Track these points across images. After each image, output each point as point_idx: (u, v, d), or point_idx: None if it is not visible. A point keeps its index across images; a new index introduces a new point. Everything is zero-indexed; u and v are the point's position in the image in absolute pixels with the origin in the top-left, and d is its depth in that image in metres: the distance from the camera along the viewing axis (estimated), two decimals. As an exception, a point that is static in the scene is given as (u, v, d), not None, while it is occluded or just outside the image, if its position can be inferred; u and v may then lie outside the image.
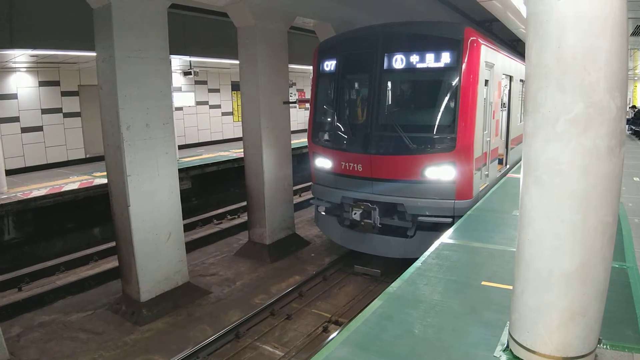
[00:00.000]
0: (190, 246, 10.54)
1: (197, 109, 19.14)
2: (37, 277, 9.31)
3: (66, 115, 14.32)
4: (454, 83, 7.66)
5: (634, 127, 20.62)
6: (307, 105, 20.75)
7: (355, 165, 8.33)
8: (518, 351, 3.15)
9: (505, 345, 3.36)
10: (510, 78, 10.47)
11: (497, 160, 9.73)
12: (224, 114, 20.56)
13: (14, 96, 13.07)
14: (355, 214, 8.27)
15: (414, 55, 7.83)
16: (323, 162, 9.00)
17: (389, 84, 8.46)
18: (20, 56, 11.25)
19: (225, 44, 12.94)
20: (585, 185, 2.69)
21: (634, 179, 9.78)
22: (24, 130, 13.36)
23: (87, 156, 14.96)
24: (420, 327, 3.79)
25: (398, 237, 8.24)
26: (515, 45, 17.11)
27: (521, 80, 11.07)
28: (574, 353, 2.92)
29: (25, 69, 13.22)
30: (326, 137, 9.10)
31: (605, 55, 2.55)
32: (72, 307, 8.15)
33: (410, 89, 8.93)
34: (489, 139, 8.72)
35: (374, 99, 8.20)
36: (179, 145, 14.63)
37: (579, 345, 2.92)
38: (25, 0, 9.46)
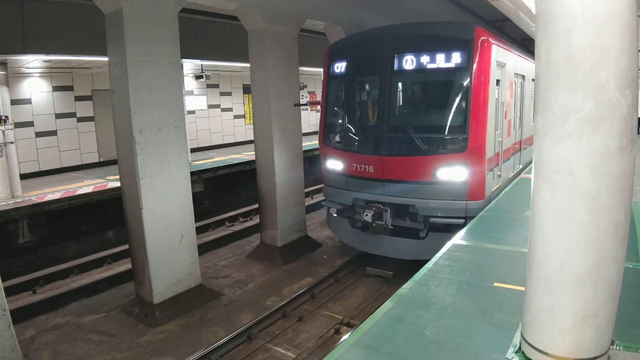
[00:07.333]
0: (203, 248, 10.62)
1: (209, 112, 19.29)
2: (51, 280, 9.42)
3: (80, 119, 14.51)
4: (465, 83, 7.62)
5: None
6: (318, 107, 20.76)
7: (367, 166, 8.31)
8: (530, 353, 3.12)
9: (518, 347, 3.34)
10: (523, 77, 10.39)
11: (509, 160, 9.66)
12: (235, 117, 20.68)
13: (27, 101, 13.26)
14: (366, 215, 8.26)
15: (424, 56, 7.80)
16: (334, 164, 9.00)
17: (400, 85, 8.43)
18: (33, 61, 11.41)
19: (236, 47, 13.01)
20: (597, 184, 2.66)
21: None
22: (38, 134, 13.55)
23: (101, 160, 15.13)
24: (432, 329, 3.77)
25: (410, 239, 8.21)
26: (527, 45, 16.99)
27: (533, 80, 10.99)
28: (587, 355, 2.88)
29: (38, 74, 13.41)
30: (337, 138, 9.09)
31: (615, 53, 2.52)
32: (85, 309, 8.23)
33: (421, 90, 8.89)
34: (501, 139, 8.66)
35: (385, 100, 8.18)
36: (191, 148, 14.72)
37: (592, 346, 2.88)
38: (37, 6, 9.59)
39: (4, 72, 10.99)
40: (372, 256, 9.21)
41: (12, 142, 10.82)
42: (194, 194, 8.43)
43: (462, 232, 6.41)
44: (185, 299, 8.04)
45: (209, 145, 19.39)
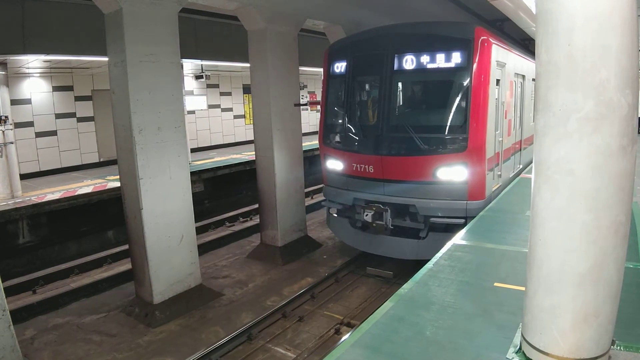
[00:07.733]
0: (203, 249, 10.62)
1: (209, 112, 19.30)
2: (52, 280, 9.41)
3: (80, 119, 14.50)
4: (465, 83, 7.61)
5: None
6: (318, 107, 20.76)
7: (367, 166, 8.31)
8: (531, 353, 3.12)
9: (518, 347, 3.33)
10: (523, 77, 10.38)
11: (510, 160, 9.65)
12: (235, 117, 20.68)
13: (27, 101, 13.26)
14: (367, 215, 8.25)
15: (425, 55, 7.79)
16: (334, 164, 8.99)
17: (400, 85, 8.43)
18: (33, 62, 11.40)
19: (236, 47, 13.01)
20: (598, 184, 2.65)
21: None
22: (38, 134, 13.55)
23: (101, 160, 15.12)
24: (432, 329, 3.76)
25: (410, 239, 8.20)
26: (527, 45, 16.99)
27: (533, 80, 10.97)
28: (587, 355, 2.87)
29: (38, 75, 13.41)
30: (337, 138, 9.08)
31: (615, 52, 2.51)
32: (86, 310, 8.23)
33: (421, 90, 8.88)
34: (501, 139, 8.66)
35: (385, 100, 8.17)
36: (191, 149, 14.71)
37: (592, 346, 2.88)
38: (37, 6, 9.59)
39: (4, 72, 10.98)
40: (372, 256, 9.19)
41: (12, 142, 10.82)
42: (194, 194, 8.42)
43: (462, 232, 6.41)
44: (185, 299, 8.03)
45: (209, 145, 19.38)
